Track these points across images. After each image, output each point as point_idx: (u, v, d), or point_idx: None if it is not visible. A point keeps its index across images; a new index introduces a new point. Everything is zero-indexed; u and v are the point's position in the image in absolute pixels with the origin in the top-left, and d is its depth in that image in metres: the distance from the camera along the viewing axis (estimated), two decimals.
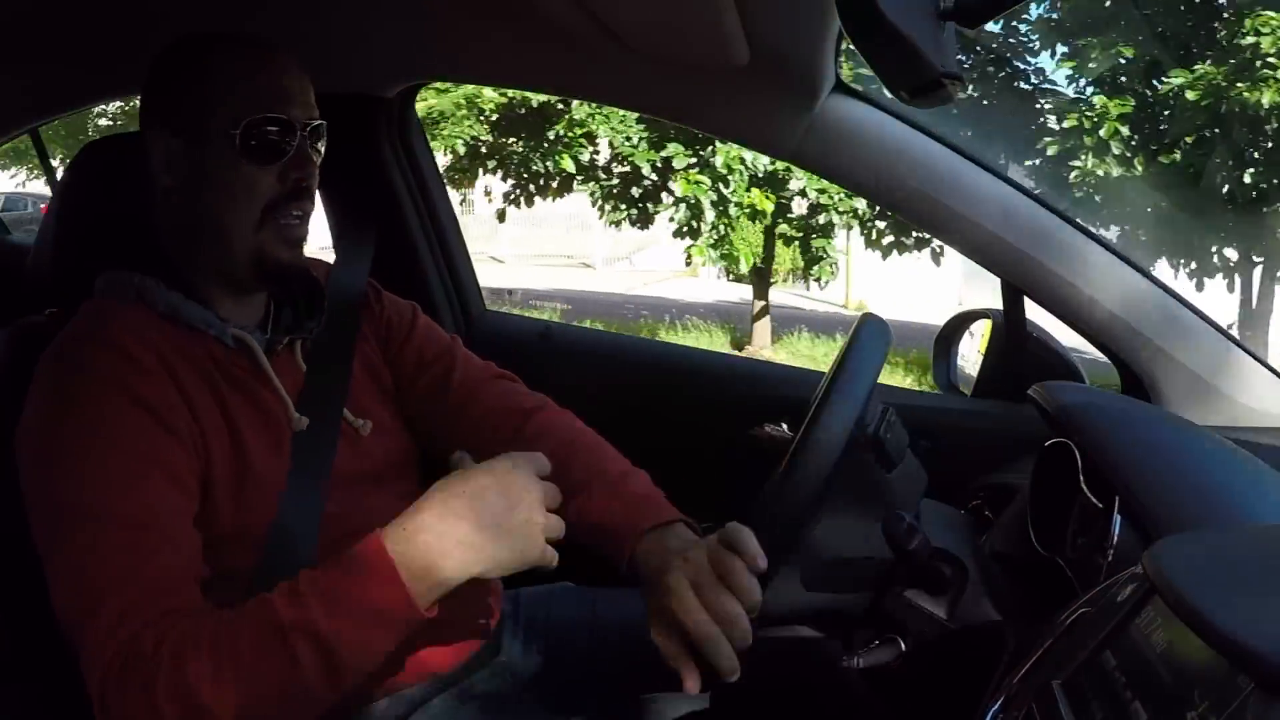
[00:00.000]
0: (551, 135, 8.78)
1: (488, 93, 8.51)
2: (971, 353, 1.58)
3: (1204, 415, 1.29)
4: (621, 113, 8.35)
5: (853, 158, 1.32)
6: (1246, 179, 8.21)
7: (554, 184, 9.20)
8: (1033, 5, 8.95)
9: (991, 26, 8.40)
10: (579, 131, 8.76)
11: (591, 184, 9.19)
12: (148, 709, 0.78)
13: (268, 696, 0.80)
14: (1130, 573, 0.77)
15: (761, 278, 9.62)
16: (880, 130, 1.32)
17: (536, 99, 8.47)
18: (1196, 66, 8.09)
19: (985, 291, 1.69)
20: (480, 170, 9.45)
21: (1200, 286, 8.86)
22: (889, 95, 0.72)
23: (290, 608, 0.80)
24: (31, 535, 0.90)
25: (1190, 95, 7.93)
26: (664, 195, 8.90)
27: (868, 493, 1.05)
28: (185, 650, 0.79)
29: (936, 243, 8.09)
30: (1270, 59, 7.64)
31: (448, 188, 1.89)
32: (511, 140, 9.16)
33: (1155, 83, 8.54)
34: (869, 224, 8.88)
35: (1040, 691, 0.72)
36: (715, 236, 8.68)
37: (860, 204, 8.40)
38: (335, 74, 1.42)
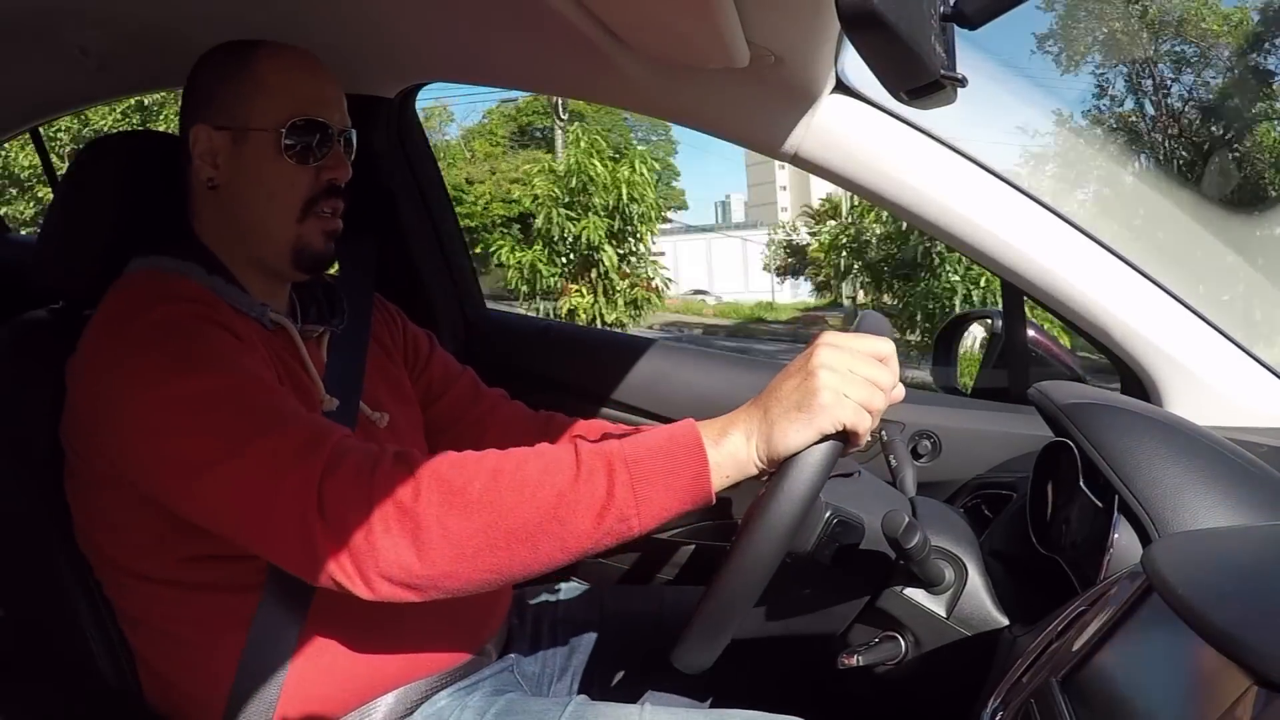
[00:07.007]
0: None
1: None
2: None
3: (1204, 415, 1.29)
4: None
5: (853, 158, 1.32)
6: None
7: None
8: None
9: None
10: None
11: None
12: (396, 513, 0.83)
13: (523, 516, 0.82)
14: (1130, 572, 0.77)
15: None
16: (880, 130, 1.32)
17: None
18: None
19: None
20: None
21: None
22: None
23: (585, 446, 0.86)
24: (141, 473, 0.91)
25: None
26: None
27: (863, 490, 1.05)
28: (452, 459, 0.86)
29: None
30: None
31: None
32: None
33: None
34: None
35: (1040, 691, 0.72)
36: None
37: None
38: (336, 74, 1.42)
